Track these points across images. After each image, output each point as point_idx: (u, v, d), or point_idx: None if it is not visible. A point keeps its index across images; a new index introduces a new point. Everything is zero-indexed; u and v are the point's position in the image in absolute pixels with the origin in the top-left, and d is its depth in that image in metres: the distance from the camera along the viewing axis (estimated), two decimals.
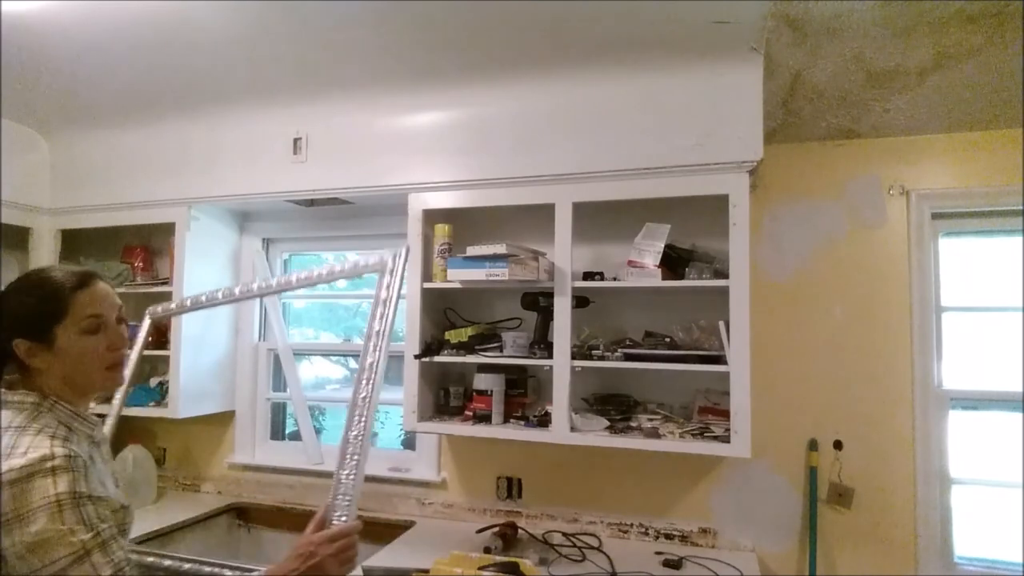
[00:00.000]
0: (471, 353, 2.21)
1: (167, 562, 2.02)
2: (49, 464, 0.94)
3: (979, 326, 2.22)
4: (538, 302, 2.16)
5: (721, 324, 1.95)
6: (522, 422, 2.17)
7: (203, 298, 1.72)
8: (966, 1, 1.72)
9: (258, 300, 2.85)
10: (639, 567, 2.02)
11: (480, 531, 2.22)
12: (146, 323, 1.81)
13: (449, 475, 2.56)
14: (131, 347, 1.21)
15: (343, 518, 1.15)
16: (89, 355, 1.09)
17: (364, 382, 1.26)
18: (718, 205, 1.96)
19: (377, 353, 1.27)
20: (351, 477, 1.19)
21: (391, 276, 1.35)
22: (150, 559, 2.03)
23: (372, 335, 1.30)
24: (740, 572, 1.99)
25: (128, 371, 1.19)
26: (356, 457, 1.20)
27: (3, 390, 1.07)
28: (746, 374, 1.89)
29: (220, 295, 1.65)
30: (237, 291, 1.65)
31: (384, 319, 1.31)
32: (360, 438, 1.22)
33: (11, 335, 1.06)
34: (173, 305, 1.88)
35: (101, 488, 1.03)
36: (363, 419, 1.23)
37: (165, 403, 2.63)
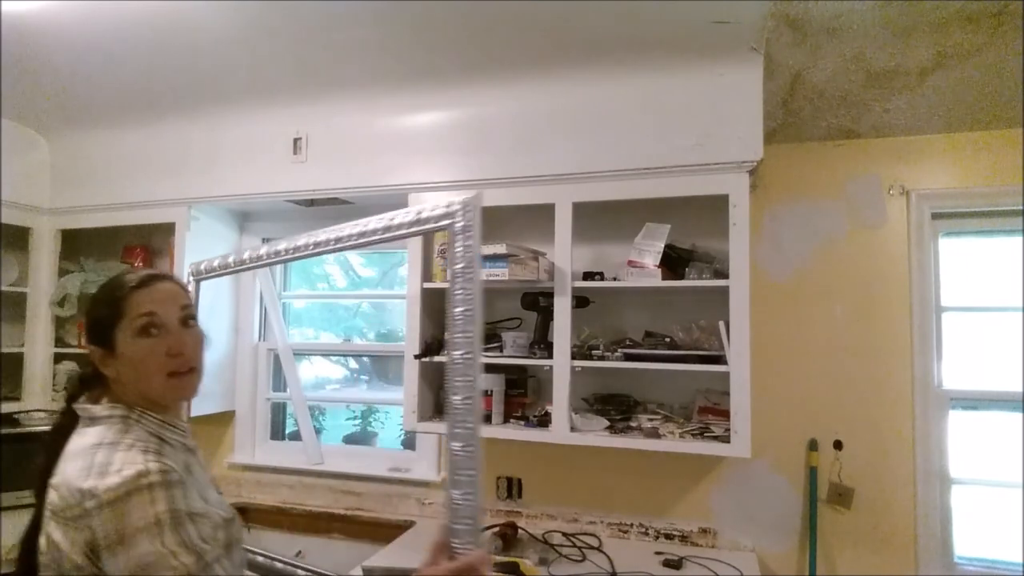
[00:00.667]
0: None
1: (259, 558, 1.96)
2: (145, 481, 0.87)
3: (979, 326, 2.22)
4: (538, 302, 2.16)
5: (721, 324, 1.95)
6: (522, 422, 2.18)
7: (246, 256, 1.54)
8: (966, 1, 1.72)
9: (258, 300, 2.85)
10: (639, 567, 2.02)
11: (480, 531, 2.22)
12: (191, 284, 1.65)
13: (449, 475, 2.56)
14: (201, 351, 1.06)
15: (468, 546, 0.98)
16: (145, 360, 1.00)
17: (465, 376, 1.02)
18: (718, 205, 1.96)
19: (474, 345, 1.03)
20: (469, 497, 1.01)
21: (464, 236, 1.10)
22: (260, 559, 1.95)
23: (462, 321, 1.04)
24: (740, 572, 1.99)
25: (198, 380, 1.05)
26: (471, 472, 1.02)
27: (88, 406, 1.01)
28: (746, 374, 1.89)
29: (264, 254, 1.46)
30: (283, 247, 1.44)
31: (471, 284, 1.06)
32: (472, 450, 1.03)
33: (88, 342, 1.03)
34: (216, 262, 1.66)
35: (200, 502, 0.97)
36: (471, 428, 1.02)
37: None
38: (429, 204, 1.15)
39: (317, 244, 1.37)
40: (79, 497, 0.86)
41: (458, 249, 1.10)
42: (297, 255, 1.44)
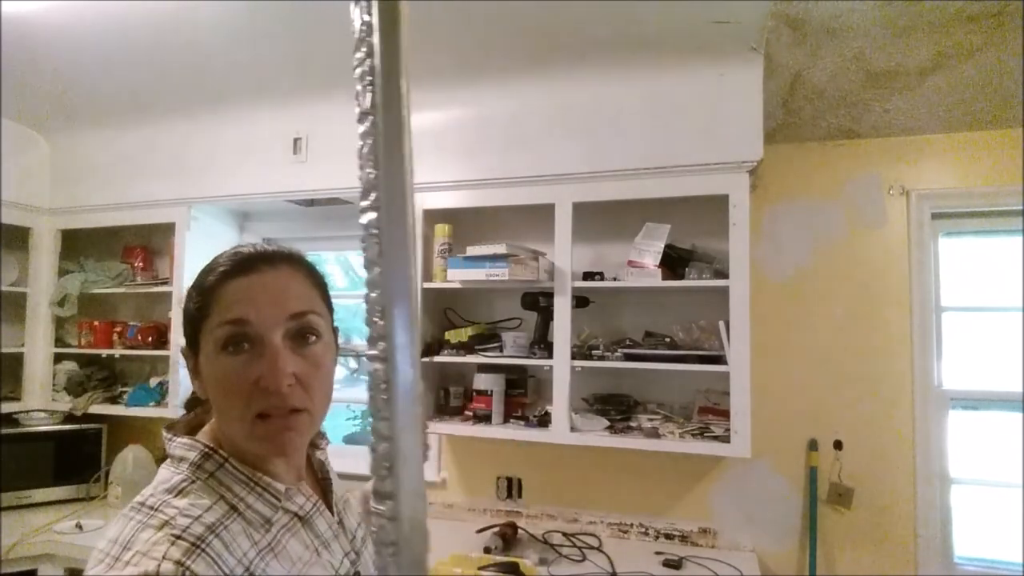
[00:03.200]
0: (471, 353, 2.21)
1: None
2: None
3: (979, 326, 2.22)
4: (538, 302, 2.16)
5: (721, 324, 1.95)
6: (522, 422, 2.17)
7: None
8: (966, 1, 1.72)
9: None
10: (639, 567, 2.02)
11: (480, 531, 2.22)
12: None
13: (449, 475, 2.56)
14: (321, 383, 0.73)
15: None
16: (222, 386, 0.69)
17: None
18: (718, 205, 1.96)
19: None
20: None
21: None
22: None
23: None
24: (740, 572, 1.99)
25: (308, 429, 0.73)
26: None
27: (171, 436, 0.73)
28: (746, 374, 1.89)
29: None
30: None
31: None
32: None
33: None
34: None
35: None
36: None
37: (165, 403, 2.63)
38: None
39: None
40: None
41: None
42: None
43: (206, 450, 0.71)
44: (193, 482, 0.69)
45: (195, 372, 0.73)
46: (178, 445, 0.72)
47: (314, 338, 0.73)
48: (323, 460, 0.88)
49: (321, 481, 0.85)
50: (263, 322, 0.69)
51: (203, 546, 0.63)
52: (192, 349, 0.73)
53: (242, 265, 0.71)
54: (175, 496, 0.67)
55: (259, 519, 0.70)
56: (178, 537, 0.62)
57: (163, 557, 0.60)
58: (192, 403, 0.81)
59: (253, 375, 0.68)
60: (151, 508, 0.66)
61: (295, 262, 0.75)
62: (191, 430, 0.76)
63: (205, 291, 0.70)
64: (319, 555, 0.74)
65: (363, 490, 1.10)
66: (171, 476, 0.70)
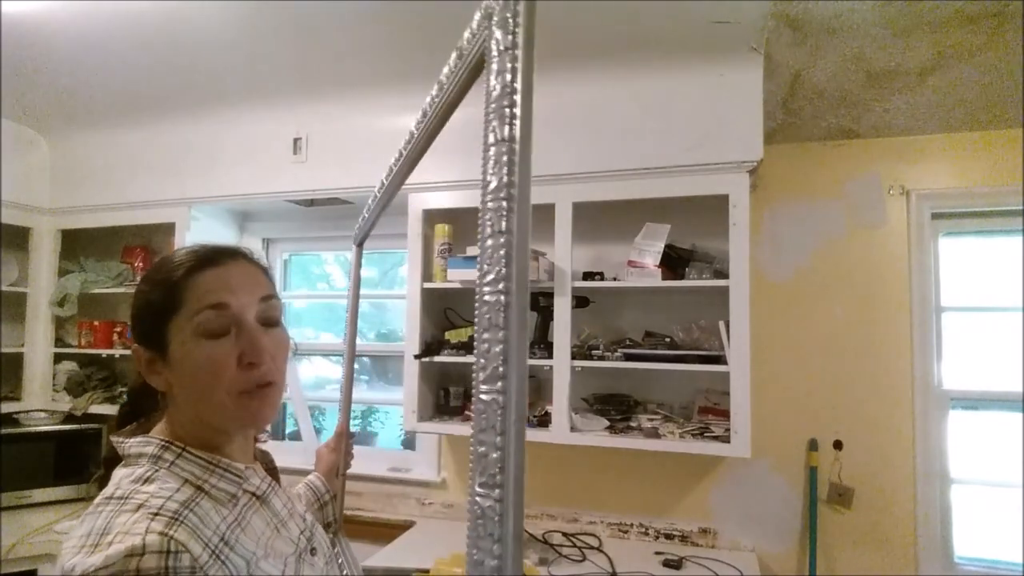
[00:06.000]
0: (471, 353, 2.20)
1: None
2: (134, 565, 0.60)
3: (979, 326, 2.22)
4: (538, 302, 2.16)
5: (721, 324, 1.95)
6: None
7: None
8: (966, 1, 1.72)
9: None
10: (639, 567, 2.02)
11: None
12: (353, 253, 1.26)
13: (449, 475, 2.56)
14: (284, 359, 0.80)
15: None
16: (207, 369, 0.73)
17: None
18: (718, 205, 1.95)
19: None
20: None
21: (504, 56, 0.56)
22: None
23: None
24: (740, 572, 1.99)
25: (278, 398, 0.79)
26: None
27: (122, 440, 0.76)
28: (746, 374, 1.89)
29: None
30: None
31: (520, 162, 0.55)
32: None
33: (134, 339, 0.78)
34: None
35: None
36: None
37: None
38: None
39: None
40: None
41: (494, 82, 0.53)
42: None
43: (163, 442, 0.74)
44: (157, 471, 0.72)
45: (155, 366, 0.76)
46: (132, 444, 0.75)
47: (277, 319, 0.80)
48: (266, 451, 0.96)
49: (269, 470, 0.90)
50: (240, 305, 0.75)
51: (181, 519, 0.66)
52: (152, 344, 0.76)
53: (208, 259, 0.77)
54: (142, 484, 0.70)
55: (225, 495, 0.74)
56: (156, 514, 0.66)
57: (146, 531, 0.63)
58: (128, 417, 0.84)
59: (234, 355, 0.73)
60: (120, 498, 0.68)
61: (249, 256, 0.82)
62: (142, 431, 0.79)
63: (172, 285, 0.74)
64: (279, 532, 0.80)
65: (308, 483, 1.22)
66: (132, 471, 0.72)
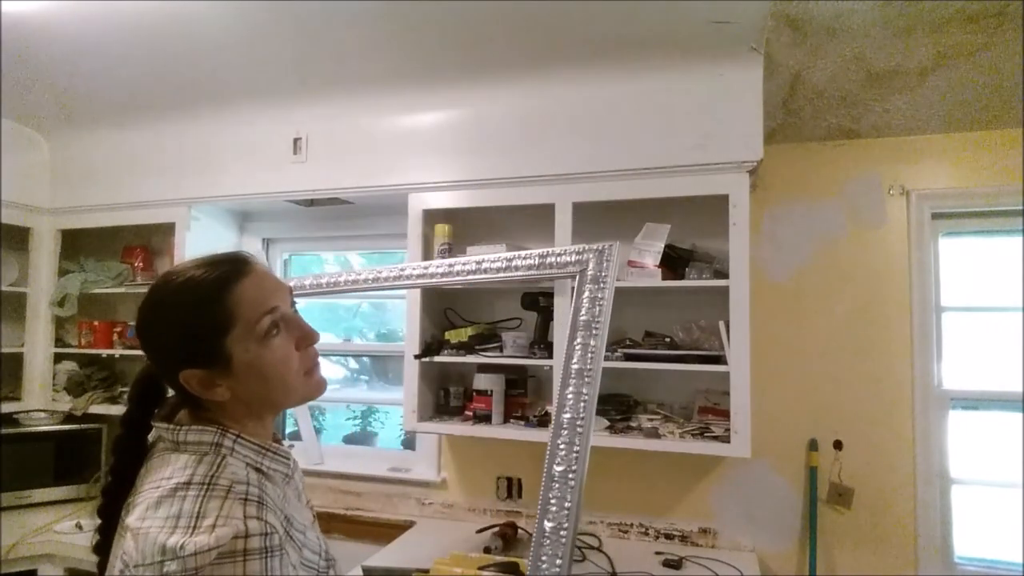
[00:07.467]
0: (471, 353, 2.21)
1: None
2: (242, 546, 0.70)
3: (979, 326, 2.22)
4: (538, 302, 2.16)
5: (721, 324, 1.95)
6: (522, 422, 2.17)
7: (342, 279, 1.41)
8: (966, 1, 1.72)
9: None
10: (639, 567, 2.02)
11: (480, 531, 2.22)
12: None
13: (449, 475, 2.56)
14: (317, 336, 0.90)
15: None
16: (281, 364, 0.83)
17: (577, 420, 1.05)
18: (718, 205, 1.95)
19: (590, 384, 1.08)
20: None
21: (598, 285, 1.00)
22: None
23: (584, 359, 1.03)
24: (740, 572, 1.99)
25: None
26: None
27: (175, 427, 0.81)
28: (746, 374, 1.89)
29: (362, 277, 1.34)
30: (384, 274, 1.33)
31: (597, 340, 0.98)
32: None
33: (174, 368, 0.81)
34: (307, 282, 1.52)
35: (295, 558, 0.80)
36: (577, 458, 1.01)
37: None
38: (557, 248, 1.06)
39: (422, 275, 1.31)
40: (160, 555, 0.70)
41: (584, 299, 0.99)
42: (402, 284, 1.37)
43: (220, 430, 0.81)
44: (223, 457, 0.79)
45: (213, 382, 0.81)
46: (192, 431, 0.80)
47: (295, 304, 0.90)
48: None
49: None
50: (284, 303, 0.86)
51: (265, 503, 0.76)
52: (209, 362, 0.80)
53: (236, 271, 0.83)
54: (216, 470, 0.77)
55: (280, 476, 0.86)
56: (246, 499, 0.74)
57: (244, 516, 0.72)
58: (172, 412, 0.87)
59: (293, 344, 0.85)
60: (201, 484, 0.75)
61: (254, 258, 0.90)
62: (173, 421, 0.85)
63: (218, 303, 0.80)
64: (306, 510, 0.94)
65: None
66: (196, 462, 0.78)
